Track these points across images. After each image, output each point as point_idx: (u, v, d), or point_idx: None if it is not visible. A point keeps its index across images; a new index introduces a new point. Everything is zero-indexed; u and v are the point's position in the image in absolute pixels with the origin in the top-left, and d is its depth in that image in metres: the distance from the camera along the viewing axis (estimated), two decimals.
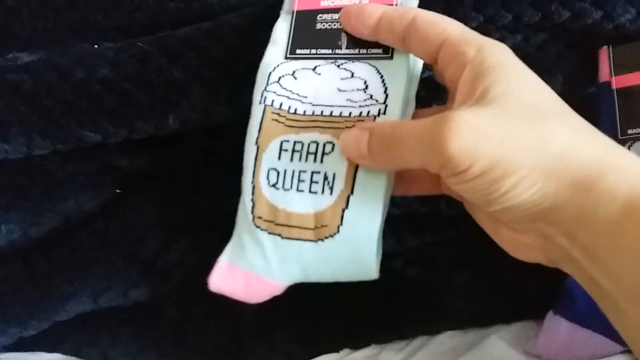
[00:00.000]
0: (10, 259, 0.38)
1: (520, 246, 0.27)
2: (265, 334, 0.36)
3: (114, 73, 0.37)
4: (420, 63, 0.32)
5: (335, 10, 0.32)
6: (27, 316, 0.37)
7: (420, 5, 0.37)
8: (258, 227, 0.30)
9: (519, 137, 0.24)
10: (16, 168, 0.38)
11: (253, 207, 0.31)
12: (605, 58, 0.37)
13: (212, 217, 0.38)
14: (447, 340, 0.38)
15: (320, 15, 0.33)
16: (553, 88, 0.37)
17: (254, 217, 0.30)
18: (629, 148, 0.35)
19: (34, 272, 0.37)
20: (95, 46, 0.39)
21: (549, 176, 0.24)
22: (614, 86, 0.36)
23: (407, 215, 0.38)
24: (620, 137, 0.35)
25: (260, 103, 0.32)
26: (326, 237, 0.30)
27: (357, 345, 0.39)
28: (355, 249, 0.30)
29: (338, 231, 0.29)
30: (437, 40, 0.28)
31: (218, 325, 0.38)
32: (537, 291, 0.37)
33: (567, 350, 0.36)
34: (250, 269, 0.31)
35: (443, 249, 0.39)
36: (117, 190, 0.39)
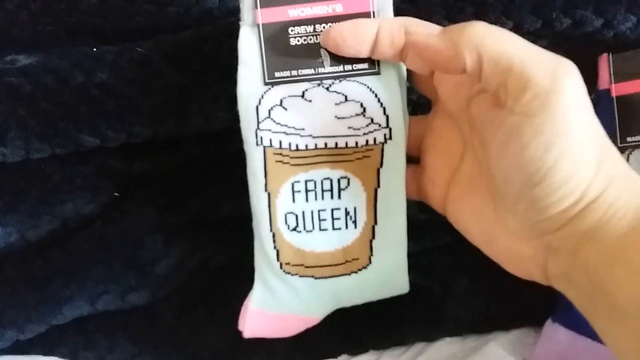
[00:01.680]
0: (7, 262, 0.38)
1: (517, 259, 0.27)
2: (264, 340, 0.36)
3: (113, 77, 0.37)
4: (405, 72, 0.31)
5: (308, 21, 0.29)
6: (24, 319, 0.36)
7: (422, 15, 0.37)
8: (288, 272, 0.31)
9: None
10: (14, 171, 0.38)
11: (278, 254, 0.31)
12: (605, 66, 0.37)
13: (211, 221, 0.38)
14: (445, 346, 0.38)
15: (292, 28, 0.29)
16: None
17: (281, 264, 0.31)
18: (628, 156, 0.35)
19: (31, 276, 0.37)
20: (95, 50, 0.39)
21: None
22: (613, 94, 0.36)
23: (406, 221, 0.38)
24: (619, 145, 0.35)
25: (257, 145, 0.29)
26: (359, 270, 0.31)
27: (355, 351, 0.39)
28: (389, 274, 0.31)
29: (370, 262, 0.31)
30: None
31: (216, 330, 0.38)
32: (536, 298, 0.37)
33: (565, 358, 0.35)
34: (286, 312, 0.32)
35: (442, 256, 0.39)
36: (115, 194, 0.39)
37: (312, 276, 0.31)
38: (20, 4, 0.41)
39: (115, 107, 0.37)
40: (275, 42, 0.29)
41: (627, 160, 0.35)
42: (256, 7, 0.29)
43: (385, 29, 0.28)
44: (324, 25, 0.29)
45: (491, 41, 0.24)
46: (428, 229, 0.39)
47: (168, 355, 0.38)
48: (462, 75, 0.26)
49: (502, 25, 0.37)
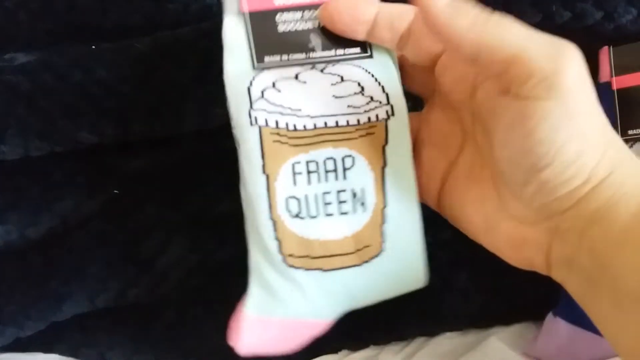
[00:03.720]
0: (7, 260, 0.38)
1: (520, 246, 0.27)
2: None
3: (111, 75, 0.37)
4: (396, 59, 0.30)
5: (296, 8, 0.28)
6: (23, 317, 0.37)
7: None
8: (291, 266, 0.27)
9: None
10: (14, 169, 0.38)
11: (280, 245, 0.27)
12: (605, 58, 0.37)
13: (210, 218, 0.38)
14: (446, 341, 0.38)
15: (279, 15, 0.28)
16: None
17: (283, 257, 0.27)
18: (629, 148, 0.35)
19: (31, 273, 0.37)
20: (93, 47, 0.39)
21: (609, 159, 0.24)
22: (614, 87, 0.36)
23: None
24: (621, 138, 0.35)
25: (252, 125, 0.27)
26: (372, 258, 0.28)
27: (356, 346, 0.39)
28: (404, 263, 0.28)
29: (382, 249, 0.28)
30: None
31: (215, 327, 0.38)
32: (536, 292, 0.36)
33: (566, 352, 0.35)
34: (290, 316, 0.28)
35: (442, 251, 0.39)
36: (115, 191, 0.39)
37: (320, 269, 0.27)
38: (19, 2, 0.41)
39: (113, 104, 0.37)
40: (263, 28, 0.28)
41: None
42: None
43: (385, 11, 0.27)
44: (312, 11, 0.28)
45: (492, 27, 0.24)
46: (428, 224, 0.39)
47: (167, 352, 0.38)
48: (467, 62, 0.26)
49: None
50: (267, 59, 0.28)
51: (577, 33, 0.37)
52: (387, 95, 0.28)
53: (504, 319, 0.38)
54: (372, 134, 0.28)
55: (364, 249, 0.28)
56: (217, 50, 0.37)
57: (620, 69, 0.36)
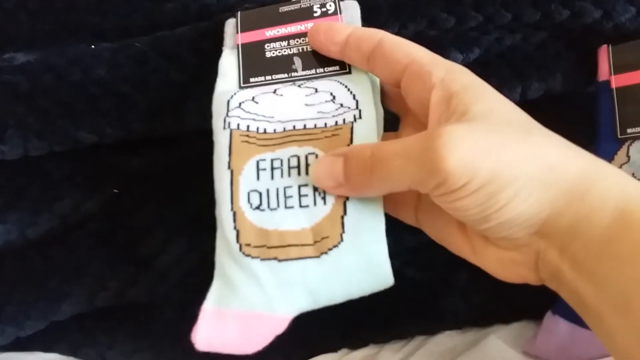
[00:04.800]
0: (7, 259, 0.38)
1: (509, 265, 0.27)
2: None
3: (110, 74, 0.37)
4: (377, 79, 0.31)
5: (283, 38, 0.32)
6: (23, 316, 0.37)
7: (420, 6, 0.37)
8: (248, 255, 0.27)
9: (514, 149, 0.24)
10: (13, 168, 0.38)
11: (238, 235, 0.28)
12: (604, 57, 0.37)
13: (210, 217, 0.38)
14: (445, 340, 0.38)
15: (268, 44, 0.32)
16: (552, 87, 0.38)
17: (240, 246, 0.27)
18: (628, 147, 0.35)
19: (30, 272, 0.37)
20: (92, 47, 0.39)
21: (545, 185, 0.23)
22: (613, 85, 0.36)
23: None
24: (619, 137, 0.35)
25: (224, 129, 0.29)
26: (330, 249, 0.27)
27: (355, 345, 0.39)
28: (365, 255, 0.27)
29: (342, 239, 0.27)
30: (403, 61, 0.28)
31: None
32: (535, 291, 0.36)
33: (565, 350, 0.35)
34: (246, 308, 0.27)
35: (441, 249, 0.38)
36: (115, 190, 0.39)
37: (276, 258, 0.27)
38: (19, 2, 0.41)
39: (113, 104, 0.37)
40: (252, 55, 0.32)
41: (627, 152, 0.35)
42: (237, 32, 0.33)
43: (355, 34, 0.30)
44: (297, 39, 0.32)
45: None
46: None
47: (167, 351, 0.38)
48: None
49: (500, 17, 0.37)
50: (252, 79, 0.32)
51: (576, 31, 0.37)
52: (357, 102, 0.29)
53: (504, 317, 0.38)
54: (337, 135, 0.29)
55: (323, 240, 0.27)
56: (217, 50, 0.37)
57: (619, 68, 0.36)
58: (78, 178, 0.39)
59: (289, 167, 0.28)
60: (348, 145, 0.28)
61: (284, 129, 0.29)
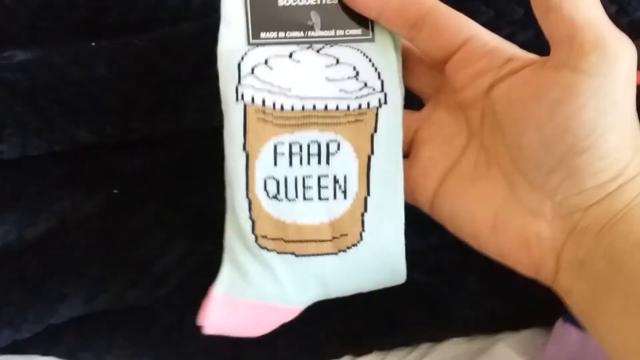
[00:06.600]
0: (4, 261, 0.37)
1: (529, 244, 0.26)
2: (265, 341, 0.35)
3: (110, 72, 0.37)
4: (400, 43, 0.29)
5: None
6: (20, 318, 0.36)
7: None
8: (264, 247, 0.27)
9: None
10: (12, 168, 0.38)
11: (253, 225, 0.27)
12: None
13: (210, 219, 0.38)
14: (452, 347, 0.38)
15: None
16: None
17: (256, 237, 0.27)
18: None
19: (28, 274, 0.37)
20: (93, 44, 0.39)
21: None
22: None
23: (413, 216, 0.37)
24: None
25: (237, 101, 0.27)
26: (349, 247, 0.27)
27: (359, 351, 0.38)
28: (383, 255, 0.28)
29: (361, 238, 0.27)
30: (461, 35, 0.27)
31: None
32: (546, 298, 0.35)
33: (576, 359, 0.35)
34: (259, 298, 0.28)
35: (449, 253, 0.38)
36: (114, 191, 0.39)
37: (293, 253, 0.27)
38: (19, 0, 0.41)
39: (113, 102, 0.37)
40: (263, 1, 0.28)
41: None
42: None
43: None
44: None
45: None
46: (435, 225, 0.38)
47: (167, 355, 0.38)
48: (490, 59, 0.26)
49: (512, 12, 0.36)
50: (263, 35, 0.28)
51: None
52: (382, 82, 0.28)
53: (513, 324, 0.38)
54: (361, 121, 0.28)
55: (342, 238, 0.27)
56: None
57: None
58: (77, 178, 0.38)
59: (309, 155, 0.27)
60: (372, 134, 0.27)
61: (303, 107, 0.27)
